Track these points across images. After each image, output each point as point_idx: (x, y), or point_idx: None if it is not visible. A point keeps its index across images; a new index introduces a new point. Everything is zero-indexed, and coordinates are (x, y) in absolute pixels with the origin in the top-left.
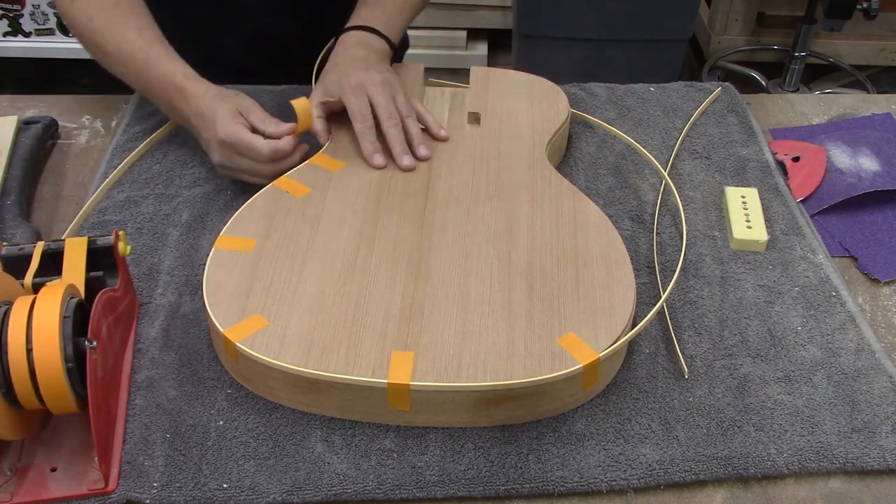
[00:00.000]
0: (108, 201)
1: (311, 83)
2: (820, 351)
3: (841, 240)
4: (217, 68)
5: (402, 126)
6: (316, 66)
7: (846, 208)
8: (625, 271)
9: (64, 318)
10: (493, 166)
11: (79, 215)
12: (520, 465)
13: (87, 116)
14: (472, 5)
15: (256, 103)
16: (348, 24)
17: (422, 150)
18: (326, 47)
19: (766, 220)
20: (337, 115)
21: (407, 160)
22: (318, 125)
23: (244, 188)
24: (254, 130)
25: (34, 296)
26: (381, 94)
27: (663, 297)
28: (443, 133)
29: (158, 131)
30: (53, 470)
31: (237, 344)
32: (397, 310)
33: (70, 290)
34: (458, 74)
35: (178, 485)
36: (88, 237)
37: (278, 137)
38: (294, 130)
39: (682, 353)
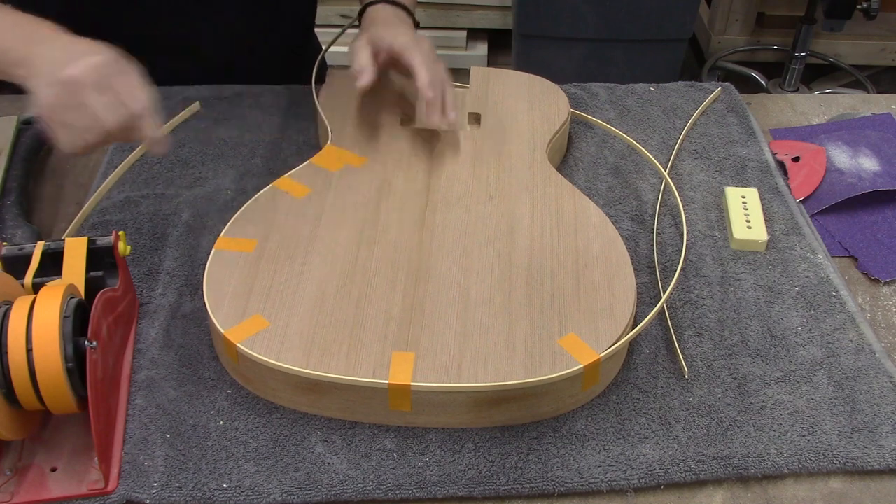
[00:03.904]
0: (108, 201)
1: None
2: (820, 351)
3: (841, 240)
4: (195, 67)
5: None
6: (316, 66)
7: (846, 208)
8: (625, 271)
9: (64, 318)
10: (494, 167)
11: (79, 215)
12: (520, 465)
13: None
14: (472, 5)
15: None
16: None
17: (451, 114)
18: (326, 48)
19: (766, 220)
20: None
21: (437, 119)
22: (366, 60)
23: (244, 188)
24: None
25: (34, 296)
26: (433, 57)
27: (664, 297)
28: (452, 115)
29: None
30: (53, 470)
31: (238, 345)
32: (398, 310)
33: (70, 290)
34: (458, 74)
35: (178, 485)
36: (88, 237)
37: None
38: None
39: (683, 353)
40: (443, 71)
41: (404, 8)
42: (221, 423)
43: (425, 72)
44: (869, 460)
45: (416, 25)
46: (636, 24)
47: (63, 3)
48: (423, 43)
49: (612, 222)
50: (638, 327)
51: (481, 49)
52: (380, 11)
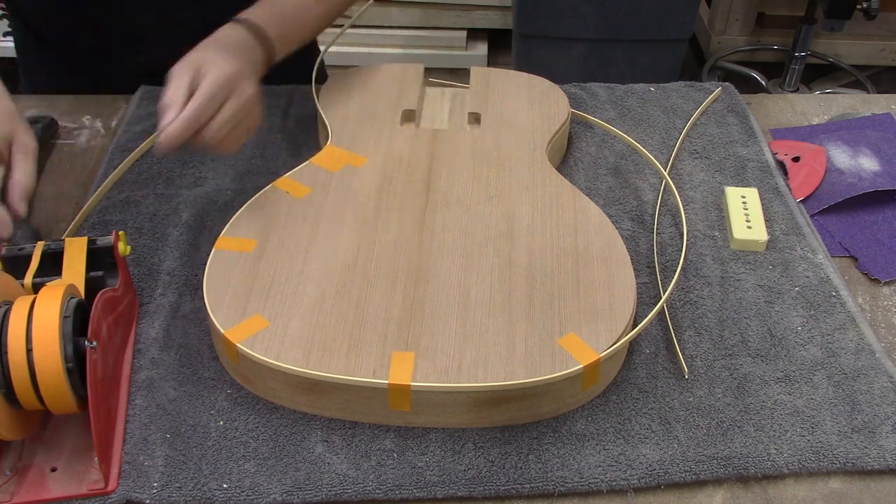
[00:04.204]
0: (108, 201)
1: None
2: (820, 351)
3: (841, 240)
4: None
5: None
6: (316, 66)
7: (846, 208)
8: (625, 271)
9: (64, 318)
10: (494, 166)
11: (79, 215)
12: (520, 465)
13: (87, 116)
14: (472, 5)
15: None
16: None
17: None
18: (326, 48)
19: (766, 220)
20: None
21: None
22: (180, 93)
23: (244, 188)
24: None
25: (34, 296)
26: (224, 96)
27: (664, 297)
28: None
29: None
30: (53, 470)
31: (238, 345)
32: (398, 310)
33: (70, 290)
34: (458, 74)
35: (178, 485)
36: (88, 237)
37: None
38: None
39: (683, 353)
40: (225, 112)
41: (263, 40)
42: (221, 423)
43: (198, 98)
44: (869, 460)
45: (268, 64)
46: (636, 24)
47: (64, 4)
48: (235, 84)
49: (612, 222)
50: (638, 327)
51: (481, 49)
52: (229, 32)
